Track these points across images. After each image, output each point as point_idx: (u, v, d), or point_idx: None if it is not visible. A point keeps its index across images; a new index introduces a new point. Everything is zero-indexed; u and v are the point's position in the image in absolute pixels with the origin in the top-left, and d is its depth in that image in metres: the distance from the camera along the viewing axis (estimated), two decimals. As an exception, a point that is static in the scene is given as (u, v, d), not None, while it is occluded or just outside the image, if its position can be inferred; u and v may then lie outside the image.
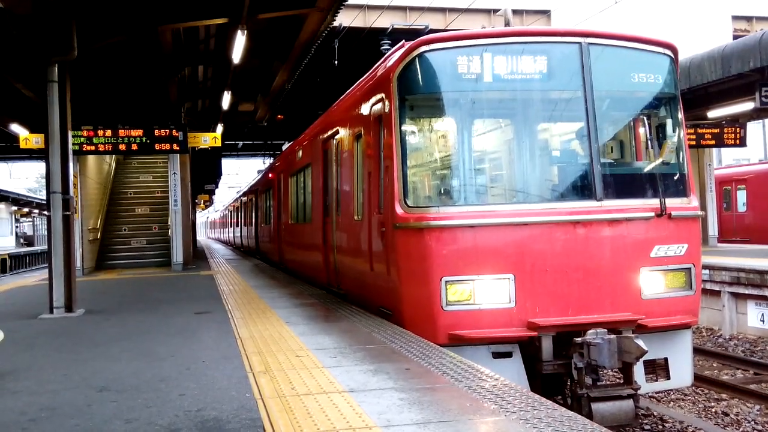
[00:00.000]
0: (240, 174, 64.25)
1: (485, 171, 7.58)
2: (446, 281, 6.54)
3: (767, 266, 12.98)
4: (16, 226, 64.06)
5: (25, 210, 61.52)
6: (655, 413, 8.74)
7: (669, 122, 7.43)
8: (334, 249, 10.16)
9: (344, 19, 18.45)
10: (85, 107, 14.68)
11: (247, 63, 16.26)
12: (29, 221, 70.42)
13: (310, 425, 3.88)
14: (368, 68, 9.03)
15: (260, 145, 39.59)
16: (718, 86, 16.28)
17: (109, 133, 14.85)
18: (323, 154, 11.09)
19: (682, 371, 7.21)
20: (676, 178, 7.28)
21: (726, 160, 40.03)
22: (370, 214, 7.92)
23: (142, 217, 21.70)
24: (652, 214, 6.93)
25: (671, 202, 7.00)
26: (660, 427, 8.28)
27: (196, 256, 24.91)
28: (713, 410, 9.14)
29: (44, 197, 11.95)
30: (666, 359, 7.12)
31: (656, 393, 9.47)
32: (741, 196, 24.93)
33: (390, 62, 7.48)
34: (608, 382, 7.51)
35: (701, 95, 16.96)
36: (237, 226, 34.81)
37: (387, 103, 7.28)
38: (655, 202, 7.00)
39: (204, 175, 30.69)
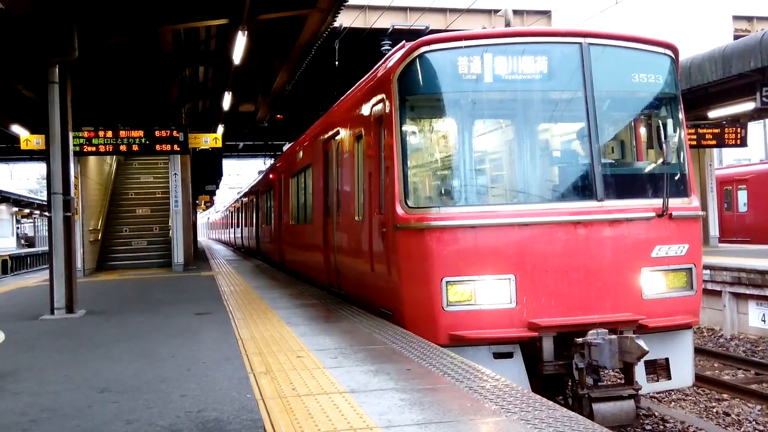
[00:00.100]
0: (241, 175, 64.28)
1: (486, 171, 7.57)
2: (447, 282, 6.54)
3: (768, 266, 12.98)
4: (17, 227, 64.09)
5: (26, 211, 61.54)
6: (656, 413, 8.74)
7: (670, 122, 7.43)
8: (335, 249, 10.17)
9: (345, 19, 18.47)
10: (86, 108, 14.69)
11: (247, 64, 16.27)
12: (30, 222, 70.44)
13: (311, 426, 3.88)
14: (369, 69, 9.04)
15: (261, 146, 39.64)
16: (719, 86, 16.27)
17: (109, 134, 14.85)
18: (324, 155, 11.09)
19: (683, 371, 7.21)
20: (676, 178, 7.28)
21: (727, 160, 40.00)
22: (370, 214, 7.92)
23: (142, 217, 21.71)
24: (653, 214, 6.93)
25: (672, 203, 7.00)
26: (661, 427, 8.28)
27: (197, 256, 24.93)
28: (714, 410, 9.13)
29: (45, 198, 11.96)
30: (667, 359, 7.12)
31: (657, 393, 9.47)
32: (742, 196, 24.92)
33: (390, 63, 7.48)
34: (609, 383, 7.49)
35: (702, 95, 16.96)
36: (238, 226, 34.82)
37: (387, 103, 7.28)
38: (655, 203, 6.99)
39: (205, 175, 30.72)
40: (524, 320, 6.60)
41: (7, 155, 36.68)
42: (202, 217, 74.81)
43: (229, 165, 53.56)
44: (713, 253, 17.24)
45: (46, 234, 11.65)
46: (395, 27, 19.08)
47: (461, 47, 6.95)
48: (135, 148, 15.09)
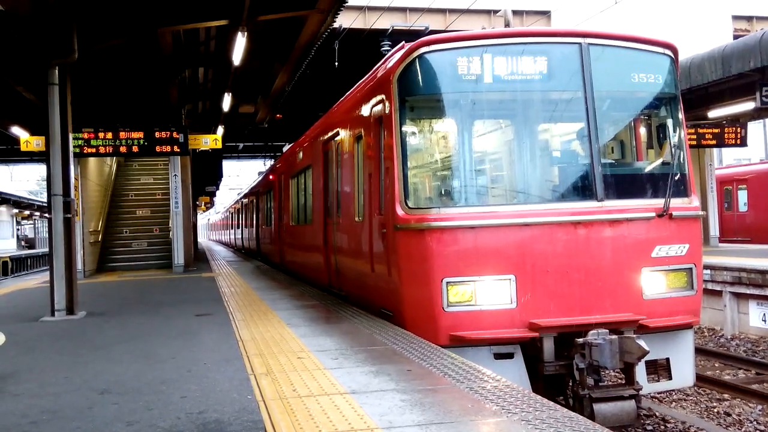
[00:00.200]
0: (241, 176, 64.28)
1: (486, 172, 7.57)
2: (447, 282, 6.54)
3: (769, 266, 12.97)
4: (18, 229, 64.08)
5: (26, 212, 61.56)
6: (657, 414, 8.74)
7: (669, 122, 7.43)
8: (335, 250, 10.17)
9: (344, 20, 18.46)
10: (86, 109, 14.69)
11: (247, 65, 16.27)
12: (30, 224, 70.43)
13: (312, 427, 3.88)
14: (368, 69, 9.04)
15: (261, 147, 39.65)
16: (719, 86, 16.28)
17: (109, 135, 14.85)
18: (324, 156, 11.09)
19: (684, 371, 7.21)
20: (676, 178, 7.27)
21: (727, 160, 40.02)
22: (370, 215, 7.91)
23: (143, 219, 21.70)
24: (653, 214, 6.93)
25: (672, 202, 6.99)
26: (662, 427, 8.27)
27: (197, 258, 24.93)
28: (715, 410, 9.13)
29: (45, 200, 11.96)
30: (668, 359, 7.11)
31: (658, 393, 9.46)
32: (742, 196, 24.92)
33: (390, 63, 7.48)
34: (610, 383, 7.50)
35: (702, 95, 16.96)
36: (238, 227, 34.82)
37: (387, 104, 7.28)
38: (655, 203, 6.99)
39: (205, 177, 30.73)
40: (525, 321, 6.60)
41: (8, 157, 36.74)
42: (203, 219, 74.83)
43: (229, 166, 53.61)
44: (713, 252, 17.24)
45: (47, 235, 11.64)
46: (395, 27, 19.10)
47: (461, 48, 6.95)
48: (135, 149, 15.08)
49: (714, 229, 20.59)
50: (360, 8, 21.25)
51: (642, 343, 6.11)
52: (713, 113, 17.88)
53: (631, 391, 6.41)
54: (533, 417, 3.92)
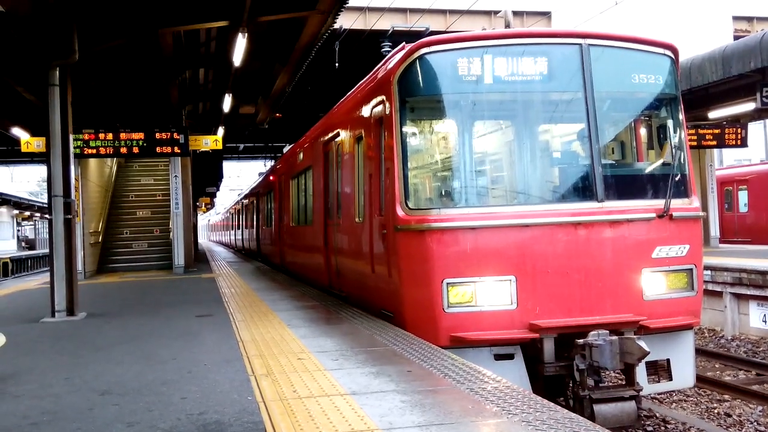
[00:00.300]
0: (241, 177, 64.32)
1: (486, 173, 7.58)
2: (448, 283, 6.54)
3: (769, 267, 12.96)
4: (18, 230, 64.08)
5: (27, 213, 61.53)
6: (657, 414, 8.73)
7: (670, 123, 7.43)
8: (336, 251, 10.17)
9: (345, 21, 18.47)
10: (86, 110, 14.70)
11: (247, 66, 16.29)
12: (31, 225, 70.41)
13: (312, 428, 3.88)
14: (369, 70, 9.04)
15: (261, 148, 39.65)
16: (719, 87, 16.28)
17: (110, 136, 14.85)
18: (324, 157, 11.09)
19: (684, 372, 7.21)
20: (677, 178, 7.27)
21: (727, 161, 39.99)
22: (371, 216, 7.92)
23: (143, 220, 21.71)
24: (654, 215, 6.92)
25: (672, 203, 6.99)
26: (662, 428, 8.27)
27: (198, 258, 24.94)
28: (716, 411, 9.12)
29: (46, 201, 11.96)
30: (668, 360, 7.11)
31: (658, 394, 9.46)
32: (742, 197, 24.91)
33: (390, 64, 7.49)
34: (610, 384, 7.50)
35: (702, 96, 16.96)
36: (238, 228, 34.83)
37: (387, 105, 7.28)
38: (656, 203, 6.99)
39: (205, 177, 30.75)
40: (525, 321, 6.60)
41: (8, 158, 36.74)
42: (203, 219, 74.87)
43: (229, 167, 53.63)
44: (714, 253, 17.23)
45: (47, 236, 11.64)
46: (395, 28, 19.08)
47: (461, 48, 6.95)
48: (135, 150, 15.08)
49: (714, 230, 20.58)
50: (360, 9, 21.25)
51: (642, 343, 6.11)
52: (713, 114, 17.88)
53: (632, 392, 6.41)
54: (534, 418, 3.92)
